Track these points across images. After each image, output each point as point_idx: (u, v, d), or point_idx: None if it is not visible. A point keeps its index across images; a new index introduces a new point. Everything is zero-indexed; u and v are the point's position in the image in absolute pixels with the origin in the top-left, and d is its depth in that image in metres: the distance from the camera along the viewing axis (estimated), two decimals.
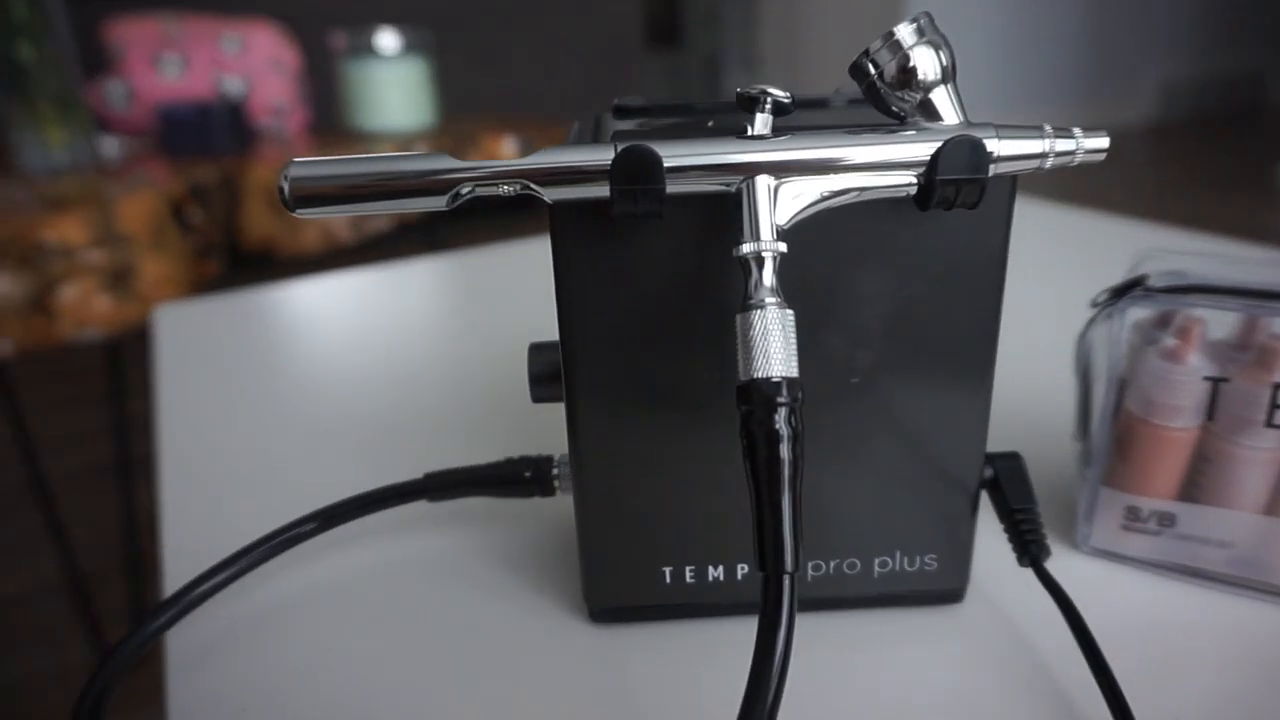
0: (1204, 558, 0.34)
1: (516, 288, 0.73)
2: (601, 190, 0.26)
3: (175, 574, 0.37)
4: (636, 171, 0.25)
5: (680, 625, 0.33)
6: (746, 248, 0.25)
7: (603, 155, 0.26)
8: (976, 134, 0.26)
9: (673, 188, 0.26)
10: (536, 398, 0.33)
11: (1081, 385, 0.38)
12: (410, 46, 1.44)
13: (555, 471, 0.36)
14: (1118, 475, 0.34)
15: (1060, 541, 0.36)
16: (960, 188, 0.25)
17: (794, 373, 0.25)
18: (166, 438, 0.49)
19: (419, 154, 0.26)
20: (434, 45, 1.50)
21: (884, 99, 0.26)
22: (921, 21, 0.25)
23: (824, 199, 0.26)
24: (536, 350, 0.33)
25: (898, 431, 0.30)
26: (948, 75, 0.25)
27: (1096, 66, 3.85)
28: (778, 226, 0.25)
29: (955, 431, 0.31)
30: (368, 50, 1.42)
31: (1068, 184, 2.89)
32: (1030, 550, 0.31)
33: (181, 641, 0.33)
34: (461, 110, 1.71)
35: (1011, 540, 0.32)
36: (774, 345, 0.24)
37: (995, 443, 0.33)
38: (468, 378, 0.55)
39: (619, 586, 0.33)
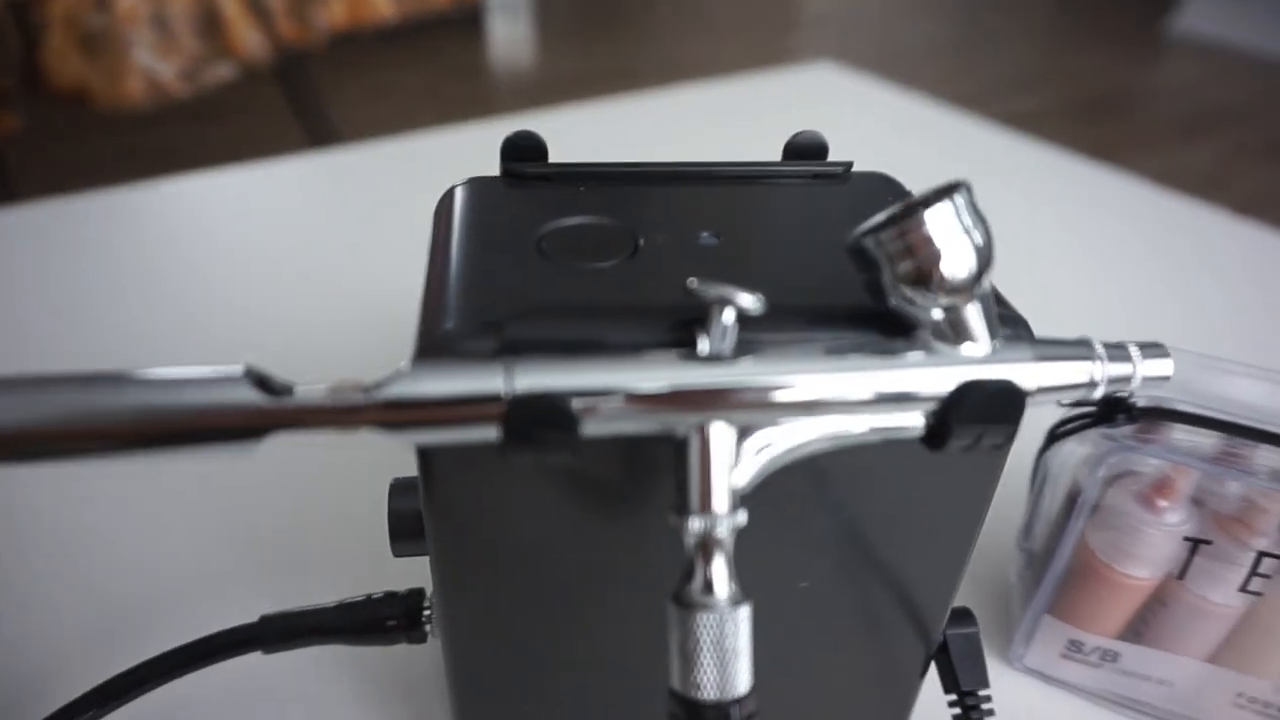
0: (1142, 692, 0.31)
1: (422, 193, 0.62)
2: (487, 433, 0.18)
3: None
4: (538, 424, 0.17)
5: None
6: (694, 525, 0.18)
7: (486, 386, 0.17)
8: (1009, 365, 0.19)
9: (591, 430, 0.18)
10: (399, 554, 0.26)
11: (1035, 492, 0.33)
12: None
13: (428, 610, 0.29)
14: (1065, 609, 0.31)
15: (992, 651, 0.33)
16: (984, 435, 0.19)
17: (745, 688, 0.19)
18: None
19: (209, 373, 0.17)
20: None
21: (886, 294, 0.19)
22: (959, 200, 0.18)
23: (801, 449, 0.19)
24: (398, 493, 0.25)
25: (846, 632, 0.25)
26: (982, 272, 0.18)
27: None
28: (736, 490, 0.18)
29: (909, 631, 0.26)
30: None
31: (966, 28, 2.79)
32: None
33: None
34: None
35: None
36: (726, 659, 0.18)
37: None
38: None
39: None
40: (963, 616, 0.28)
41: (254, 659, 0.29)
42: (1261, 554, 0.27)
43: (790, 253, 0.23)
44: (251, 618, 0.29)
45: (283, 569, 0.36)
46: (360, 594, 0.29)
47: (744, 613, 0.18)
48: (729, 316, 0.18)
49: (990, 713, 0.28)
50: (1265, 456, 0.28)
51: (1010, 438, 0.19)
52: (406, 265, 0.56)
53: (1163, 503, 0.28)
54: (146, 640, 0.29)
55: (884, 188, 0.26)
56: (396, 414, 0.17)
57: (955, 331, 0.19)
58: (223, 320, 0.51)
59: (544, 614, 0.23)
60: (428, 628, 0.29)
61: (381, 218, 0.62)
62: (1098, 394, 0.20)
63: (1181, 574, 0.28)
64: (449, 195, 0.25)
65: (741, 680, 0.18)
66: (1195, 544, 0.28)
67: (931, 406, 0.19)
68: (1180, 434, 0.29)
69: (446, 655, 0.25)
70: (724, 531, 0.18)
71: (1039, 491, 0.33)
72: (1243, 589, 0.28)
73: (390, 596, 0.29)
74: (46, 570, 0.35)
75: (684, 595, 0.18)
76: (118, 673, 0.28)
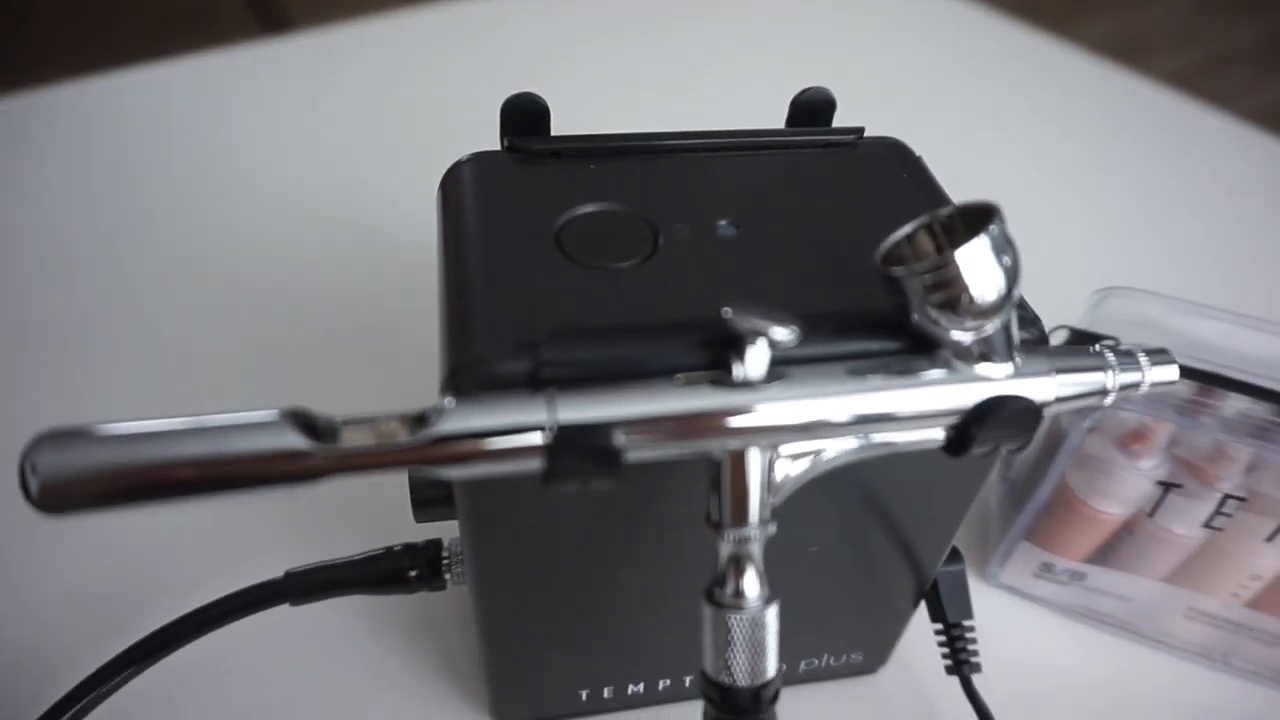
0: (1103, 606, 0.34)
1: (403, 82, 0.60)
2: (531, 466, 0.18)
3: None
4: (582, 458, 0.18)
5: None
6: (728, 538, 0.19)
7: (529, 420, 0.18)
8: (1032, 381, 0.20)
9: (632, 456, 0.19)
10: (421, 520, 0.27)
11: None
12: None
13: (446, 560, 0.30)
14: (1040, 536, 0.33)
15: (969, 570, 0.36)
16: (1002, 444, 0.20)
17: (773, 672, 0.20)
18: None
19: (256, 419, 0.17)
20: None
21: (911, 313, 0.19)
22: (994, 231, 0.18)
23: (830, 464, 0.20)
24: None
25: (848, 576, 0.27)
26: (1011, 294, 0.19)
27: None
28: (770, 506, 0.19)
29: (907, 574, 0.28)
30: None
31: None
32: (962, 669, 0.30)
33: None
34: None
35: (943, 649, 0.30)
36: (757, 652, 0.20)
37: None
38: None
39: (530, 707, 0.30)
40: (951, 555, 0.30)
41: (281, 611, 0.30)
42: (1227, 496, 0.29)
43: (810, 244, 0.23)
44: (277, 573, 0.30)
45: (304, 528, 0.36)
46: (379, 547, 0.30)
47: (773, 611, 0.20)
48: (762, 346, 0.18)
49: (972, 640, 0.30)
50: (1235, 404, 0.30)
51: (1027, 443, 0.20)
52: (361, 160, 0.54)
53: (1139, 450, 0.30)
54: (179, 598, 0.30)
55: (896, 157, 0.26)
56: (441, 451, 0.18)
57: (978, 349, 0.19)
58: (183, 232, 0.50)
59: (571, 570, 0.24)
60: (447, 576, 0.31)
61: (342, 112, 0.59)
62: (1108, 401, 0.21)
63: (1152, 512, 0.31)
64: (453, 175, 0.25)
65: (770, 666, 0.20)
66: (1167, 487, 0.30)
67: (953, 420, 0.20)
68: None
69: (476, 610, 0.26)
70: (756, 543, 0.19)
71: None
72: (1206, 525, 0.30)
73: (410, 548, 0.30)
74: (79, 532, 0.36)
75: (717, 597, 0.20)
76: (154, 629, 0.29)
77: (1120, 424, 0.30)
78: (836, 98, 0.27)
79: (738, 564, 0.20)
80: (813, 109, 0.27)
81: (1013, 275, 0.18)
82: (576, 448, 0.18)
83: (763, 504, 0.19)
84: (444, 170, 0.25)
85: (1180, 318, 0.32)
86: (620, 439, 0.18)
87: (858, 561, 0.27)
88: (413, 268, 0.47)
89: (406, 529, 0.29)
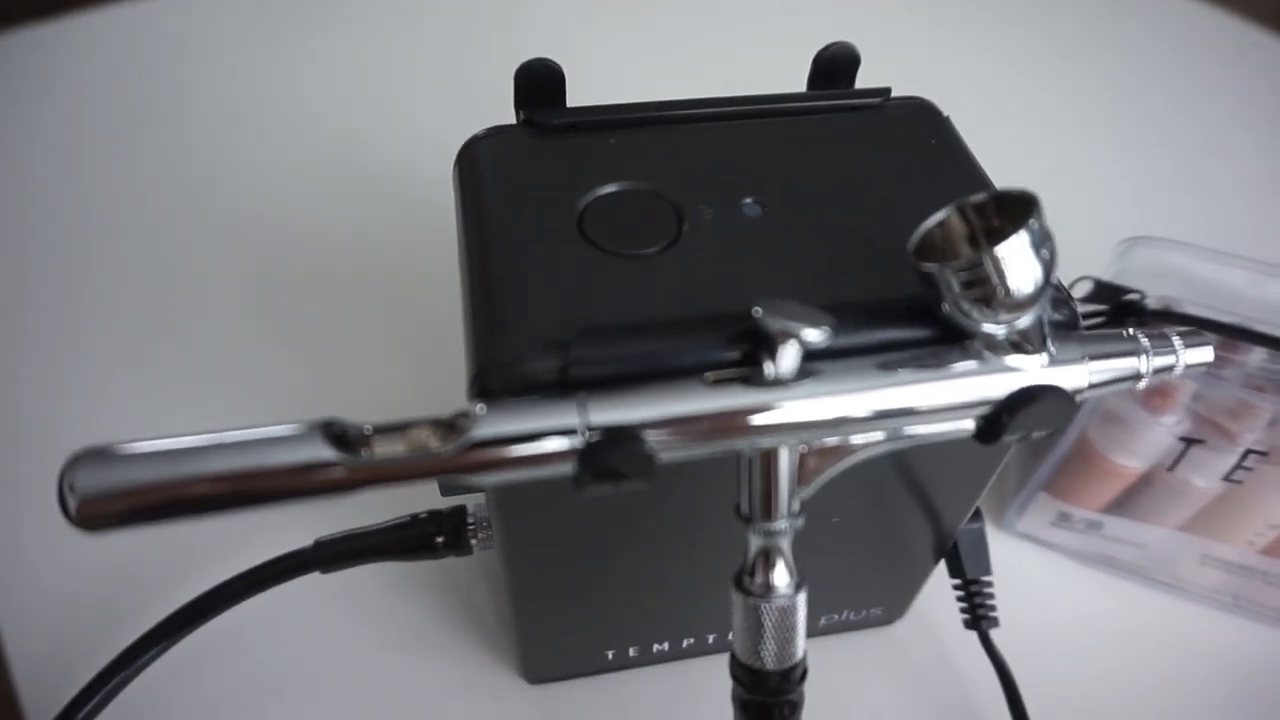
0: (1119, 553, 0.35)
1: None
2: (564, 469, 0.18)
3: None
4: (616, 462, 0.18)
5: (623, 675, 0.32)
6: (757, 530, 0.19)
7: (561, 423, 0.18)
8: (1065, 370, 0.19)
9: (664, 457, 0.19)
10: (446, 492, 0.27)
11: None
12: None
13: (471, 526, 0.31)
14: (1059, 488, 0.33)
15: (987, 516, 0.36)
16: (1035, 432, 0.20)
17: (800, 654, 0.21)
18: None
19: (287, 432, 0.17)
20: None
21: (943, 304, 0.19)
22: (1034, 225, 0.17)
23: (859, 456, 0.20)
24: None
25: (871, 540, 0.28)
26: (1047, 286, 0.18)
27: None
28: (799, 500, 0.20)
29: (928, 536, 0.28)
30: None
31: None
32: (980, 624, 0.30)
33: None
34: None
35: (961, 604, 0.31)
36: (786, 637, 0.20)
37: None
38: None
39: (558, 666, 0.31)
40: (972, 514, 0.31)
41: (312, 579, 0.31)
42: (1249, 450, 0.29)
43: (836, 223, 0.22)
44: (306, 543, 0.30)
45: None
46: (406, 515, 0.31)
47: (801, 598, 0.20)
48: (794, 346, 0.18)
49: (990, 596, 0.31)
50: (1258, 357, 0.30)
51: (1063, 430, 0.20)
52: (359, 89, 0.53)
53: (1161, 406, 0.30)
54: (210, 570, 0.31)
55: (924, 119, 0.25)
56: (474, 459, 0.18)
57: (1011, 339, 0.19)
58: (196, 165, 0.49)
59: (598, 541, 0.25)
60: (473, 542, 0.31)
61: (385, 65, 0.58)
62: (1142, 385, 0.20)
63: (1172, 466, 0.31)
64: (469, 152, 0.24)
65: (798, 650, 0.21)
66: (1189, 442, 0.30)
67: (984, 410, 0.19)
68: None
69: (505, 576, 0.27)
70: (785, 536, 0.20)
71: None
72: (1226, 478, 0.30)
73: (435, 515, 0.31)
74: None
75: (747, 585, 0.20)
76: (193, 598, 0.30)
77: (1144, 394, 0.30)
78: (860, 50, 0.26)
79: (767, 556, 0.20)
80: (836, 66, 0.26)
81: (1049, 267, 0.18)
82: (610, 452, 0.18)
83: (792, 498, 0.19)
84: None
85: (1206, 266, 0.31)
86: (652, 441, 0.18)
87: (882, 527, 0.27)
88: (432, 234, 0.46)
89: (433, 496, 0.30)
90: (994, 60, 0.61)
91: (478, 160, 0.24)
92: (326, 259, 0.45)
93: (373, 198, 0.48)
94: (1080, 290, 0.32)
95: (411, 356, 0.41)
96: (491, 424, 0.18)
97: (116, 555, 0.35)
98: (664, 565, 0.27)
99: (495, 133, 0.24)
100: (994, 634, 0.31)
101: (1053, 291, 0.21)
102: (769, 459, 0.19)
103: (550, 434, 0.18)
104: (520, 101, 0.25)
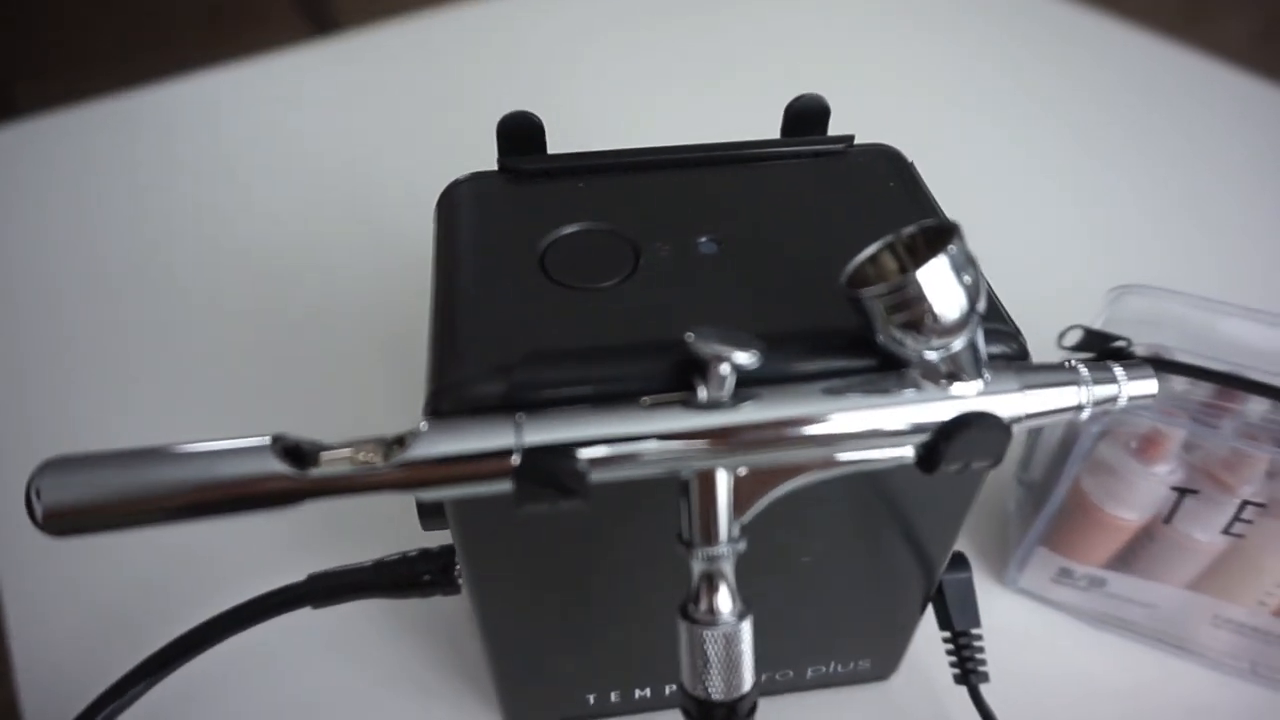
0: (1127, 613, 0.34)
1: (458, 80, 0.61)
2: (502, 487, 0.19)
3: None
4: (548, 480, 0.18)
5: None
6: (699, 556, 0.20)
7: (497, 444, 0.18)
8: (1000, 398, 0.19)
9: (598, 478, 0.19)
10: (428, 529, 0.28)
11: (1033, 432, 0.34)
12: None
13: (459, 567, 0.31)
14: (1058, 542, 0.33)
15: (988, 573, 0.36)
16: (972, 463, 0.20)
17: (749, 686, 0.21)
18: None
19: (239, 445, 0.18)
20: None
21: (877, 334, 0.19)
22: (953, 251, 0.18)
23: (798, 482, 0.20)
24: None
25: (848, 583, 0.27)
26: (974, 311, 0.19)
27: None
28: (739, 524, 0.20)
29: (908, 581, 0.28)
30: None
31: None
32: (970, 678, 0.30)
33: None
34: None
35: (950, 657, 0.30)
36: (732, 667, 0.20)
37: None
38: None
39: (541, 711, 0.31)
40: (957, 561, 0.30)
41: (306, 615, 0.32)
42: (1246, 502, 0.28)
43: (789, 259, 0.23)
44: (299, 576, 0.31)
45: (323, 532, 0.38)
46: (397, 552, 0.32)
47: (746, 626, 0.20)
48: (726, 369, 0.18)
49: (980, 649, 0.30)
50: (1256, 406, 0.29)
51: (999, 460, 0.20)
52: (409, 163, 0.56)
53: (1152, 456, 0.29)
54: (209, 599, 0.32)
55: (887, 164, 0.26)
56: (413, 475, 0.18)
57: (945, 367, 0.19)
58: (243, 230, 0.52)
59: (562, 579, 0.25)
60: (460, 581, 0.32)
61: (390, 113, 0.61)
62: (1085, 415, 0.20)
63: (1169, 518, 0.30)
64: (448, 195, 0.25)
65: (745, 680, 0.21)
66: (1183, 492, 0.29)
67: (923, 438, 0.20)
68: (1178, 381, 0.30)
69: (476, 615, 0.27)
70: (726, 561, 0.20)
71: (1037, 429, 0.34)
72: (1225, 531, 0.29)
73: (425, 553, 0.31)
74: (102, 544, 0.37)
75: (691, 613, 0.20)
76: (182, 633, 0.31)
77: (1133, 429, 0.29)
78: (844, 98, 0.27)
79: (710, 581, 0.20)
80: (807, 116, 0.27)
81: (974, 293, 0.18)
82: (542, 470, 0.18)
83: (731, 522, 0.20)
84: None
85: (1202, 315, 0.31)
86: (585, 461, 0.19)
87: (855, 570, 0.27)
88: (420, 271, 0.48)
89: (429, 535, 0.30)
90: (987, 111, 0.61)
91: (455, 202, 0.25)
92: (326, 294, 0.48)
93: (369, 239, 0.51)
94: (1071, 339, 0.32)
95: (401, 382, 0.43)
96: (431, 442, 0.19)
97: (103, 589, 0.36)
98: (635, 607, 0.27)
99: (475, 178, 0.26)
100: (993, 692, 0.30)
101: (997, 320, 0.21)
102: (707, 482, 0.19)
103: (487, 454, 0.18)
104: (502, 149, 0.26)
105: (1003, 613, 0.35)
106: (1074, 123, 0.60)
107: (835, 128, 0.27)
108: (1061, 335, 0.32)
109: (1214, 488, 0.29)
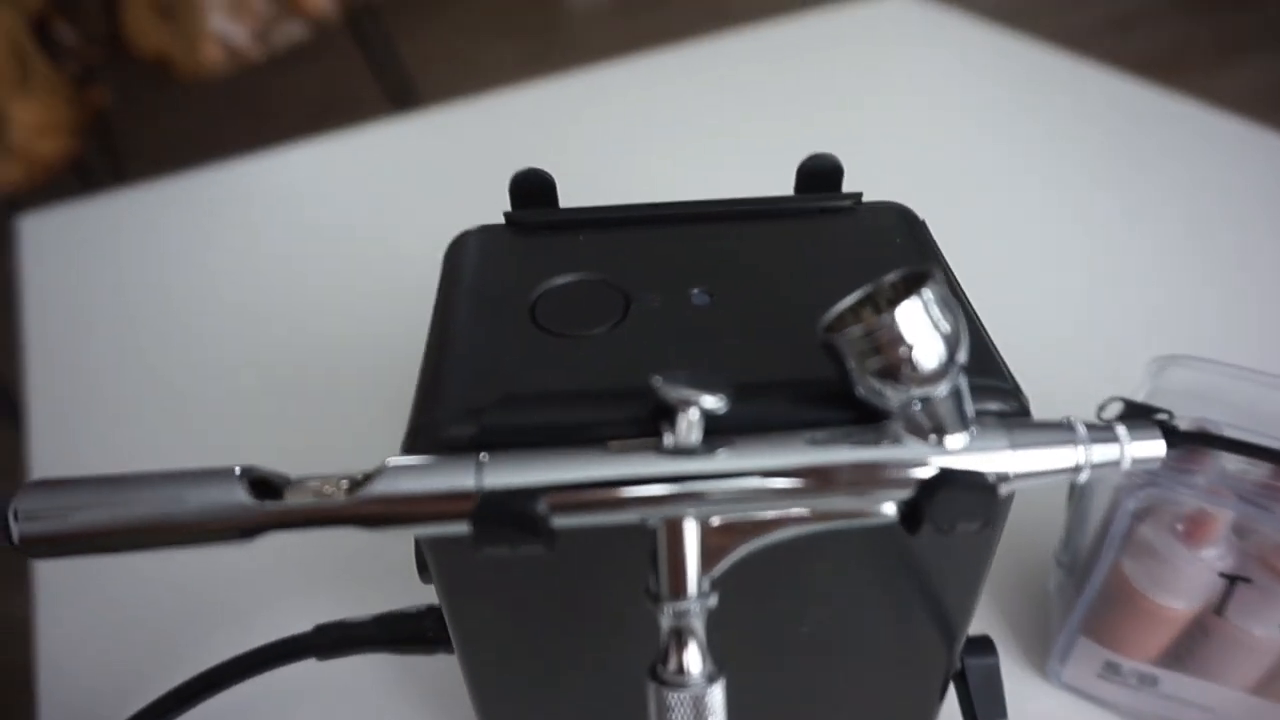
0: (1182, 717, 0.31)
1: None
2: (461, 529, 0.19)
3: None
4: (505, 523, 0.18)
5: None
6: (666, 611, 0.19)
7: (457, 484, 0.18)
8: (985, 456, 0.18)
9: (560, 524, 0.19)
10: (426, 581, 0.27)
11: (1074, 507, 0.32)
12: None
13: None
14: (1101, 631, 0.30)
15: (1028, 664, 0.33)
16: (958, 525, 0.19)
17: None
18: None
19: (209, 475, 0.18)
20: None
21: (854, 384, 0.18)
22: (928, 295, 0.17)
23: (771, 537, 0.19)
24: None
25: (855, 663, 0.26)
26: (952, 361, 0.18)
27: None
28: (709, 578, 0.19)
29: (919, 662, 0.26)
30: None
31: None
32: None
33: None
34: None
35: None
36: None
37: None
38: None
39: None
40: (982, 646, 0.28)
41: (312, 667, 0.32)
42: None
43: (781, 311, 0.22)
44: (304, 626, 0.31)
45: (331, 583, 0.38)
46: (403, 606, 0.31)
47: (717, 690, 0.19)
48: (694, 414, 0.18)
49: None
50: None
51: (989, 523, 0.19)
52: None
53: (1198, 539, 0.27)
54: (214, 646, 0.32)
55: (895, 222, 0.25)
56: (373, 510, 0.18)
57: (927, 419, 0.18)
58: (337, 295, 0.54)
59: (543, 633, 0.24)
60: None
61: (463, 183, 0.63)
62: (1083, 477, 0.19)
63: (1220, 609, 0.27)
64: (455, 247, 0.26)
65: None
66: (1233, 580, 0.27)
67: (905, 495, 0.18)
68: (1228, 459, 0.27)
69: (463, 671, 0.26)
70: (696, 617, 0.19)
71: (1077, 505, 0.32)
72: None
73: (430, 609, 0.31)
74: (115, 584, 0.38)
75: (660, 673, 0.19)
76: (190, 677, 0.31)
77: (1178, 509, 0.27)
78: (869, 160, 0.27)
79: (679, 638, 0.19)
80: (819, 175, 0.27)
81: (954, 341, 0.17)
82: (499, 513, 0.18)
83: (701, 576, 0.19)
84: None
85: (1251, 388, 0.29)
86: (544, 505, 0.18)
87: (860, 644, 0.25)
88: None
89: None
90: (1034, 173, 0.60)
91: (460, 253, 0.25)
92: (342, 343, 0.49)
93: (388, 289, 0.52)
94: (1111, 411, 0.30)
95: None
96: (394, 479, 0.18)
97: (108, 635, 0.36)
98: (615, 663, 0.26)
99: (481, 230, 0.26)
100: None
101: (993, 375, 0.20)
102: (675, 532, 0.19)
103: (448, 494, 0.18)
104: (515, 204, 0.27)
105: (1045, 709, 0.32)
106: (1112, 188, 0.59)
107: (870, 191, 0.27)
108: (1101, 408, 0.30)
109: (1269, 576, 0.26)
